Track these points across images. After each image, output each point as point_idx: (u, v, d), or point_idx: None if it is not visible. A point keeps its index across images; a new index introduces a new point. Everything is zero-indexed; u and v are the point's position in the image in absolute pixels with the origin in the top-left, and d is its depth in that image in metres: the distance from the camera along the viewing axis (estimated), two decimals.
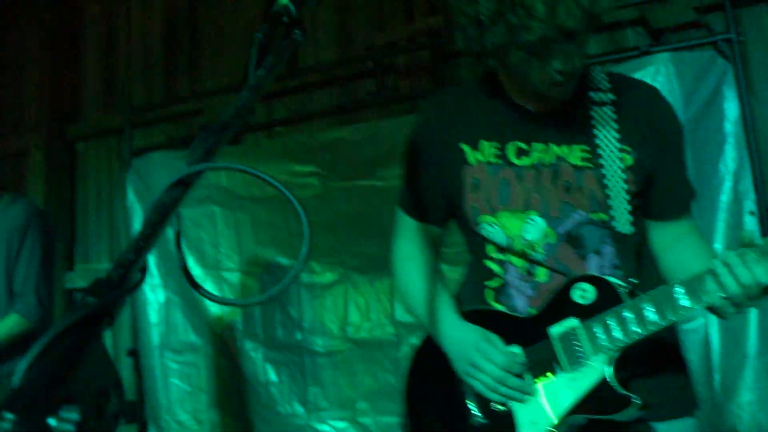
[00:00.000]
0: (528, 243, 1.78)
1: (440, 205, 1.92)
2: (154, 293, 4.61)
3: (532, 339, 1.75)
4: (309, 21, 4.96)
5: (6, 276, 3.10)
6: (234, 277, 4.43)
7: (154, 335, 4.63)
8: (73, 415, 0.55)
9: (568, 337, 1.70)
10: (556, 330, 1.72)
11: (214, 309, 4.46)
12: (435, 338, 1.86)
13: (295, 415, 4.17)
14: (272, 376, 4.25)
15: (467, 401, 1.80)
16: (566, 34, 1.54)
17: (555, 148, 1.78)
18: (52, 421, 0.55)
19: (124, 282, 0.65)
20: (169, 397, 4.56)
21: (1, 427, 0.54)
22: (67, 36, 6.15)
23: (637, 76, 3.32)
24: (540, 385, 1.73)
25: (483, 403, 1.77)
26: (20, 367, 0.58)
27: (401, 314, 3.94)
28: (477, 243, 1.88)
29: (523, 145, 1.79)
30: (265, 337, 4.30)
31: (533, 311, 1.79)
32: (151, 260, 4.69)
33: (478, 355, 1.73)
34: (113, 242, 5.65)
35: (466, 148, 1.83)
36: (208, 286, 4.44)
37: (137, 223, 4.82)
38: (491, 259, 1.86)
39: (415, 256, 1.96)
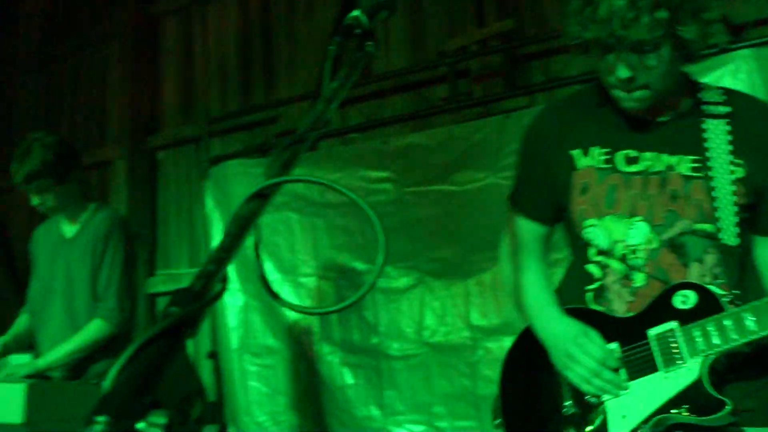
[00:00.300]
0: (630, 247, 1.82)
1: (549, 206, 2.00)
2: (233, 297, 4.71)
3: (630, 339, 1.80)
4: (381, 28, 5.00)
5: (91, 282, 3.22)
6: (311, 282, 4.49)
7: (233, 338, 4.73)
8: (160, 419, 0.58)
9: (666, 338, 1.75)
10: (654, 331, 1.77)
11: (291, 313, 4.53)
12: (535, 331, 1.93)
13: (371, 418, 4.19)
14: (349, 379, 4.29)
15: (563, 392, 1.86)
16: (619, 42, 1.62)
17: (665, 157, 1.82)
18: (141, 425, 0.58)
19: (205, 293, 0.68)
20: (248, 398, 4.65)
21: (94, 429, 0.58)
22: (146, 50, 6.35)
23: (717, 74, 3.26)
24: (634, 382, 1.77)
25: (578, 395, 1.83)
26: (110, 374, 0.62)
27: (477, 318, 3.94)
28: (580, 246, 1.93)
29: (633, 153, 1.84)
30: (342, 341, 4.34)
31: (632, 314, 1.83)
32: (231, 265, 4.79)
33: (576, 348, 1.79)
34: (193, 248, 5.79)
35: (576, 153, 1.90)
36: (286, 291, 4.51)
37: (216, 229, 4.94)
38: (593, 262, 1.91)
39: (515, 254, 2.04)
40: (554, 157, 1.94)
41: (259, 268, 0.81)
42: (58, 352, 3.07)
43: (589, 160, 1.88)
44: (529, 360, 1.96)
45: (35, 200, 3.24)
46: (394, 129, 4.70)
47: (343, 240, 4.39)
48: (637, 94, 1.73)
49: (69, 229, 3.39)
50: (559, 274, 2.11)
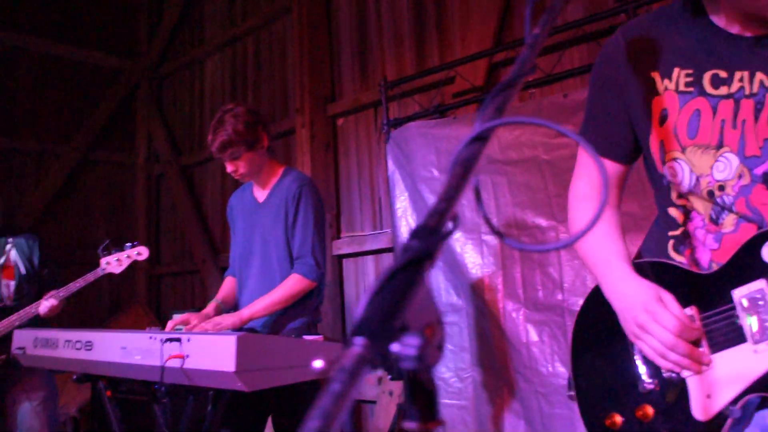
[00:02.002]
0: (717, 183, 1.54)
1: (626, 140, 1.72)
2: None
3: (713, 300, 1.50)
4: None
5: (285, 242, 3.37)
6: (494, 240, 4.50)
7: None
8: (415, 340, 0.63)
9: (755, 302, 1.43)
10: (741, 293, 1.46)
11: (474, 271, 4.57)
12: (603, 291, 1.65)
13: (557, 375, 4.16)
14: (533, 336, 4.28)
15: (637, 365, 1.61)
16: None
17: (762, 78, 1.52)
18: (395, 347, 0.63)
19: (439, 228, 0.72)
20: None
21: (352, 349, 0.63)
22: (322, 22, 6.55)
23: None
24: (718, 355, 1.48)
25: (654, 368, 1.57)
26: (362, 302, 0.67)
27: None
28: (663, 188, 1.69)
29: (722, 73, 1.55)
30: (526, 298, 4.33)
31: (715, 268, 1.55)
32: (413, 225, 4.90)
33: (647, 317, 1.51)
34: (375, 210, 5.95)
35: (657, 76, 1.63)
36: (469, 249, 4.56)
37: (398, 191, 5.05)
38: (675, 204, 1.66)
39: (592, 196, 1.78)
40: (631, 81, 1.66)
41: (482, 209, 0.84)
42: (260, 304, 3.24)
43: (670, 83, 1.60)
44: (600, 324, 1.67)
45: (229, 168, 3.42)
46: (574, 82, 4.60)
47: (525, 197, 4.35)
48: None
49: (261, 194, 3.56)
50: None
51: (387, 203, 5.45)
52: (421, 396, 0.67)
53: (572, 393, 1.73)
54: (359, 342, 0.61)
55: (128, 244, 4.00)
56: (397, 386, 5.03)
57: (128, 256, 3.95)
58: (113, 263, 3.94)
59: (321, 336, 3.10)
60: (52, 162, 8.01)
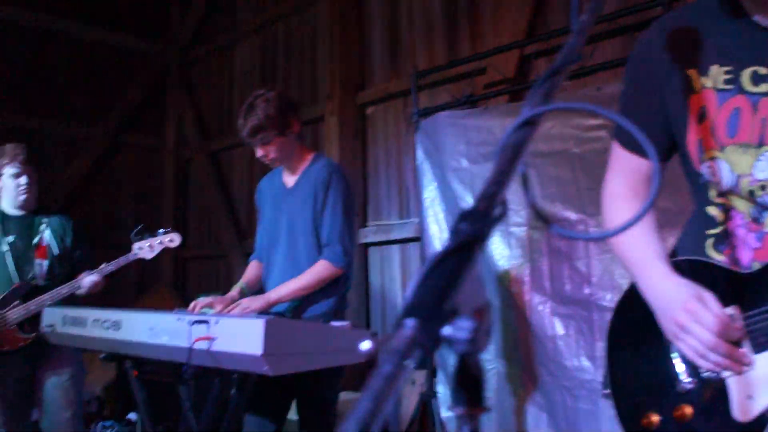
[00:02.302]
0: (759, 183, 1.51)
1: (662, 137, 1.66)
2: (443, 247, 4.79)
3: (755, 300, 1.46)
4: None
5: (313, 228, 3.37)
6: (521, 231, 4.48)
7: None
8: (467, 323, 0.62)
9: None
10: None
11: (501, 263, 4.55)
12: (640, 290, 1.62)
13: (582, 369, 4.14)
14: (559, 329, 4.26)
15: (675, 364, 1.57)
16: None
17: None
18: (446, 330, 0.62)
19: (489, 212, 0.72)
20: None
21: (403, 331, 0.62)
22: (353, 9, 6.54)
23: None
24: (761, 355, 1.44)
25: (693, 368, 1.53)
26: (412, 284, 0.66)
27: None
28: (700, 186, 1.64)
29: (763, 70, 1.50)
30: (553, 291, 4.30)
31: (757, 267, 1.51)
32: (441, 215, 4.89)
33: (687, 317, 1.46)
34: (402, 199, 5.95)
35: (694, 74, 1.58)
36: (497, 240, 4.54)
37: (426, 180, 5.03)
38: (714, 203, 1.61)
39: (627, 195, 1.73)
40: (667, 78, 1.61)
41: (528, 196, 0.83)
42: (287, 288, 3.24)
43: (707, 80, 1.55)
44: (637, 323, 1.64)
45: (259, 152, 3.42)
46: (607, 75, 4.55)
47: (554, 189, 4.32)
48: None
49: (290, 179, 3.56)
50: None
51: (414, 192, 5.44)
52: (468, 381, 0.66)
53: (607, 391, 1.69)
54: (410, 324, 0.61)
55: (161, 230, 4.00)
56: (420, 375, 5.03)
57: (160, 242, 3.96)
58: (145, 248, 3.94)
59: (348, 322, 3.10)
60: (82, 144, 8.08)
